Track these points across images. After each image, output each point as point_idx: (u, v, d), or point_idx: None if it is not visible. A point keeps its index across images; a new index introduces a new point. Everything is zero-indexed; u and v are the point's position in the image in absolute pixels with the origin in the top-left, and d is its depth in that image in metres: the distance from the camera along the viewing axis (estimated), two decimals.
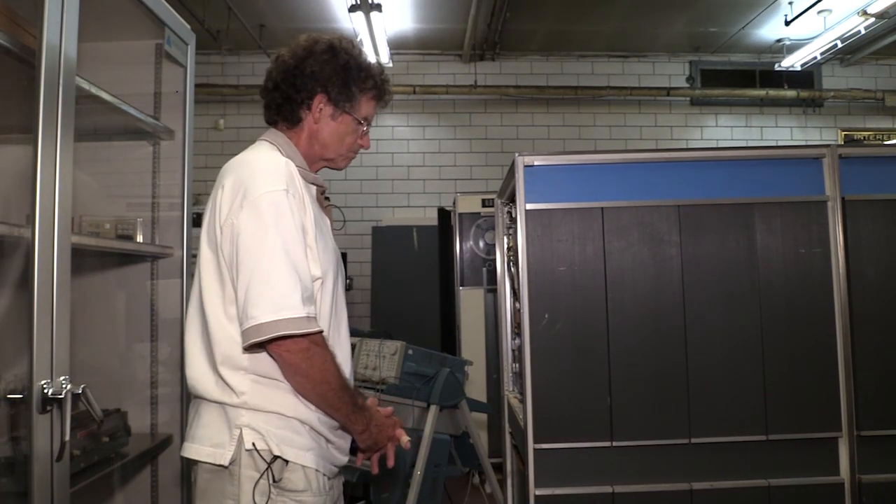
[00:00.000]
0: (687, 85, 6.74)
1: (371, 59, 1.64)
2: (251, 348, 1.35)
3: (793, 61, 6.13)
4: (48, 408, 1.30)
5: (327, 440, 1.45)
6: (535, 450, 2.07)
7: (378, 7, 4.75)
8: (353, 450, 1.55)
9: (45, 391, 1.29)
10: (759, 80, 6.71)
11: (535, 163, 2.16)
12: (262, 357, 1.37)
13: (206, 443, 1.40)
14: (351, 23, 5.04)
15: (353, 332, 2.02)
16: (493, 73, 6.62)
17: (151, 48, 2.10)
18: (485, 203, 4.66)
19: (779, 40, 6.27)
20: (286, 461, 1.37)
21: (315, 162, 1.58)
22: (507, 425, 2.80)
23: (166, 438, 2.07)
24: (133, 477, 2.08)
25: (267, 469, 1.35)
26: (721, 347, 2.11)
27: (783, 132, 6.80)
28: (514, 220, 2.26)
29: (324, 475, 1.43)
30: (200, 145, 4.07)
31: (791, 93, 6.50)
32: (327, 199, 1.63)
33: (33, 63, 1.33)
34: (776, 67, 6.29)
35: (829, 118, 6.83)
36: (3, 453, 1.43)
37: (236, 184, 1.40)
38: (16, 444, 1.42)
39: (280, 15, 5.67)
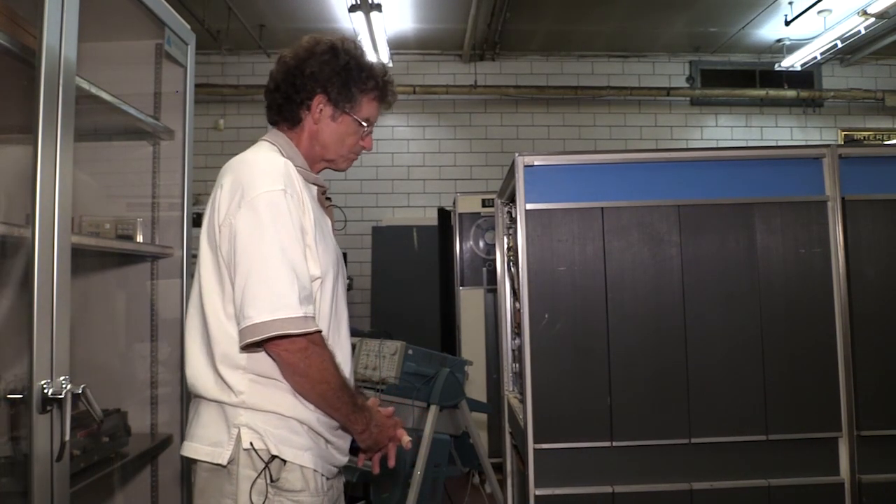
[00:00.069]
0: (687, 85, 6.74)
1: (374, 59, 1.63)
2: (248, 348, 1.35)
3: (793, 61, 6.13)
4: (48, 408, 1.30)
5: (326, 440, 1.45)
6: (535, 450, 2.07)
7: (378, 7, 4.75)
8: (355, 450, 1.55)
9: (45, 391, 1.29)
10: (759, 80, 6.72)
11: (535, 163, 2.16)
12: (261, 356, 1.37)
13: (205, 442, 1.40)
14: (351, 23, 5.04)
15: (353, 332, 2.02)
16: (493, 73, 6.62)
17: (151, 48, 2.10)
18: (485, 203, 4.66)
19: (779, 40, 6.27)
20: (284, 461, 1.37)
21: (316, 162, 1.58)
22: (507, 425, 2.80)
23: (166, 438, 2.07)
24: (133, 477, 2.08)
25: (264, 469, 1.34)
26: (721, 347, 2.11)
27: (783, 132, 6.80)
28: (514, 220, 2.26)
29: (322, 475, 1.43)
30: (200, 145, 4.07)
31: (791, 93, 6.50)
32: (328, 199, 1.62)
33: (33, 63, 1.33)
34: (776, 67, 6.29)
35: (829, 118, 6.83)
36: (3, 453, 1.43)
37: (235, 183, 1.40)
38: (16, 444, 1.42)
39: (280, 15, 5.67)
